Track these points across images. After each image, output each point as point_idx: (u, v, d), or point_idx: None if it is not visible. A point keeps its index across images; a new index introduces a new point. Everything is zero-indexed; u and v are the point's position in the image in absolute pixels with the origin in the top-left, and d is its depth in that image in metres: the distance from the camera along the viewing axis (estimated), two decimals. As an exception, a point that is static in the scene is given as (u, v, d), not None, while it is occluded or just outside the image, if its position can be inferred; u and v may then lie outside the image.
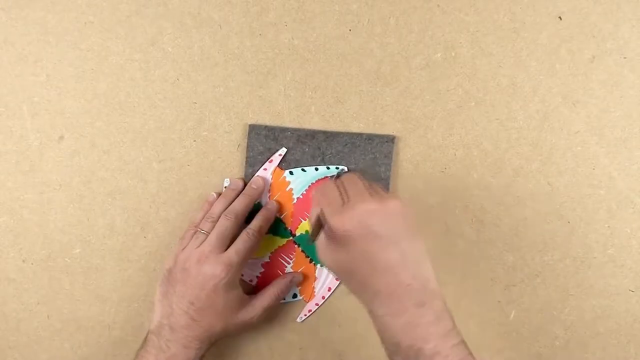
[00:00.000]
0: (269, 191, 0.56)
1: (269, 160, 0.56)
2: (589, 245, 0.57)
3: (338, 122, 0.57)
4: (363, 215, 0.42)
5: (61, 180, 0.57)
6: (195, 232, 0.52)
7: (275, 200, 0.56)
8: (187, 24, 0.56)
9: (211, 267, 0.50)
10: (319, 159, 0.56)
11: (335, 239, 0.43)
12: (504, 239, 0.57)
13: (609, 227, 0.56)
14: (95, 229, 0.58)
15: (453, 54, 0.56)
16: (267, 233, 0.56)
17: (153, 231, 0.58)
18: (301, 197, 0.56)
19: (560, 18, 0.55)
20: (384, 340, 0.43)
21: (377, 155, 0.56)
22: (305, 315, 0.58)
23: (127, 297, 0.58)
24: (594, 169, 0.56)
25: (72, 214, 0.57)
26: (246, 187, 0.55)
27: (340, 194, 0.45)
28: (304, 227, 0.57)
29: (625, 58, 0.55)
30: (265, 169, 0.56)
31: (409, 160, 0.57)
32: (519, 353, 0.58)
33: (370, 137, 0.56)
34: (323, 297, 0.57)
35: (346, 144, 0.56)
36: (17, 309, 0.58)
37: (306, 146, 0.56)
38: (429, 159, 0.57)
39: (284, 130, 0.56)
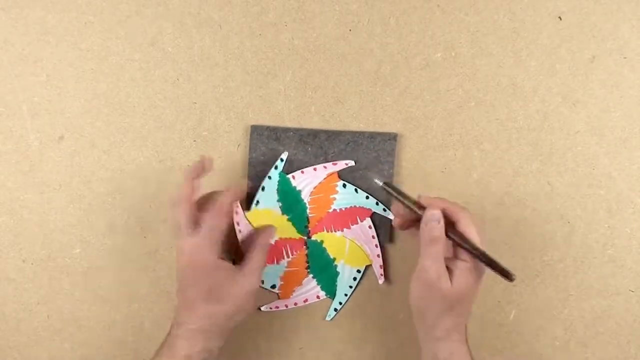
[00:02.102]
0: (314, 187, 0.56)
1: (274, 166, 0.56)
2: (589, 245, 0.57)
3: (338, 122, 0.57)
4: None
5: (61, 180, 0.57)
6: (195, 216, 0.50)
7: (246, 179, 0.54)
8: (187, 24, 0.56)
9: (183, 251, 0.48)
10: (322, 158, 0.56)
11: (479, 272, 0.49)
12: (504, 239, 0.57)
13: (609, 227, 0.57)
14: (95, 229, 0.58)
15: (453, 54, 0.56)
16: (288, 220, 0.56)
17: (153, 231, 0.58)
18: (338, 211, 0.56)
19: (560, 18, 0.56)
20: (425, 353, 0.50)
21: (380, 153, 0.56)
22: (270, 308, 0.57)
23: (127, 297, 0.58)
24: (594, 169, 0.56)
25: (72, 214, 0.57)
26: (234, 188, 0.53)
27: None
28: (322, 236, 0.57)
29: (625, 58, 0.55)
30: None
31: (409, 160, 0.57)
32: (519, 353, 0.58)
33: (373, 135, 0.56)
34: (295, 304, 0.57)
35: (348, 143, 0.56)
36: (17, 309, 0.58)
37: (309, 146, 0.56)
38: (429, 158, 0.57)
39: (285, 130, 0.56)
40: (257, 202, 0.56)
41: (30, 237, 0.58)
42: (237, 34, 0.56)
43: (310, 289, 0.57)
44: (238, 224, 0.55)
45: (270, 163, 0.56)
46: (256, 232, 0.53)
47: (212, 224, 0.48)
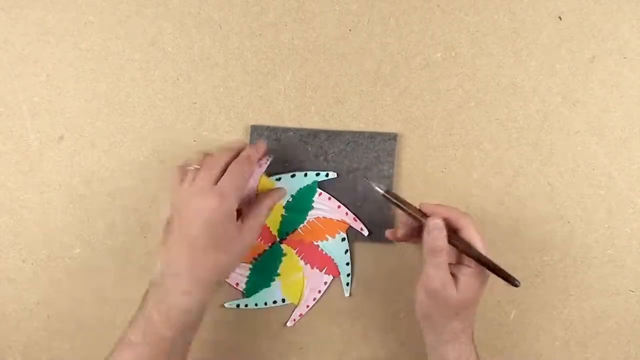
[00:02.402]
0: (324, 217, 0.56)
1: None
2: (589, 245, 0.57)
3: (338, 122, 0.57)
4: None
5: (61, 180, 0.57)
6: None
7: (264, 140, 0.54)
8: (187, 24, 0.56)
9: (204, 199, 0.46)
10: (322, 158, 0.56)
11: (484, 278, 0.49)
12: (504, 239, 0.57)
13: (609, 227, 0.57)
14: (95, 229, 0.57)
15: (453, 54, 0.56)
16: (282, 215, 0.56)
17: (153, 231, 0.58)
18: (318, 249, 0.57)
19: (560, 18, 0.56)
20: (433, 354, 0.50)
21: (380, 153, 0.56)
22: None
23: (127, 297, 0.58)
24: (594, 169, 0.56)
25: (72, 214, 0.57)
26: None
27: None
28: (289, 250, 0.57)
29: (625, 58, 0.55)
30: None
31: (409, 160, 0.57)
32: (519, 353, 0.58)
33: (373, 135, 0.56)
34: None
35: (348, 143, 0.56)
36: (17, 309, 0.58)
37: (309, 145, 0.56)
38: (429, 158, 0.57)
39: (285, 130, 0.56)
40: (280, 178, 0.56)
41: (30, 237, 0.58)
42: (237, 34, 0.56)
43: (241, 274, 0.57)
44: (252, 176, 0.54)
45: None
46: (267, 191, 0.52)
47: (237, 172, 0.48)
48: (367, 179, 0.53)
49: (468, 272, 0.48)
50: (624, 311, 0.57)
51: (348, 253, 0.57)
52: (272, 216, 0.56)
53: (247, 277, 0.57)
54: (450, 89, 0.56)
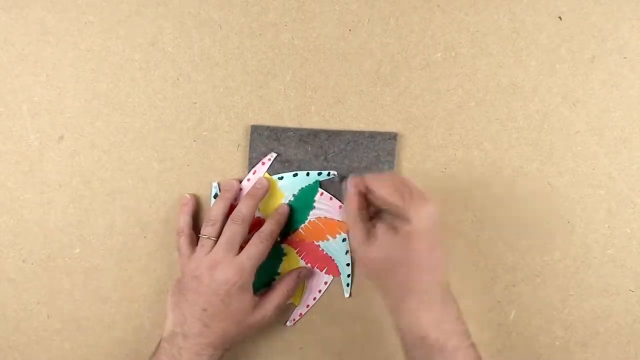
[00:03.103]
0: (324, 217, 0.56)
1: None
2: (589, 245, 0.57)
3: (338, 122, 0.57)
4: (436, 212, 0.46)
5: (61, 180, 0.57)
6: (196, 240, 0.53)
7: (286, 204, 0.56)
8: (187, 24, 0.56)
9: (224, 272, 0.49)
10: (322, 158, 0.56)
11: (402, 231, 0.46)
12: (504, 239, 0.57)
13: (609, 227, 0.57)
14: (95, 229, 0.57)
15: (453, 54, 0.56)
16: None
17: (153, 231, 0.58)
18: (319, 250, 0.57)
19: (560, 18, 0.56)
20: (408, 334, 0.47)
21: (380, 153, 0.56)
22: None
23: (127, 297, 0.58)
24: (594, 169, 0.56)
25: (72, 214, 0.57)
26: (251, 188, 0.55)
27: (404, 189, 0.47)
28: (289, 250, 0.57)
29: (625, 58, 0.55)
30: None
31: (409, 160, 0.57)
32: (519, 353, 0.58)
33: (373, 135, 0.56)
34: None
35: (348, 142, 0.56)
36: (17, 309, 0.58)
37: (309, 145, 0.56)
38: (429, 158, 0.57)
39: (285, 130, 0.56)
40: (282, 177, 0.56)
41: (30, 237, 0.58)
42: (237, 34, 0.56)
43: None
44: (255, 172, 0.56)
45: (270, 163, 0.56)
46: (291, 273, 0.56)
47: (258, 249, 0.51)
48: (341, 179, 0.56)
49: (382, 227, 0.48)
50: (624, 311, 0.57)
51: (349, 254, 0.57)
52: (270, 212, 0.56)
53: None
54: (450, 89, 0.56)
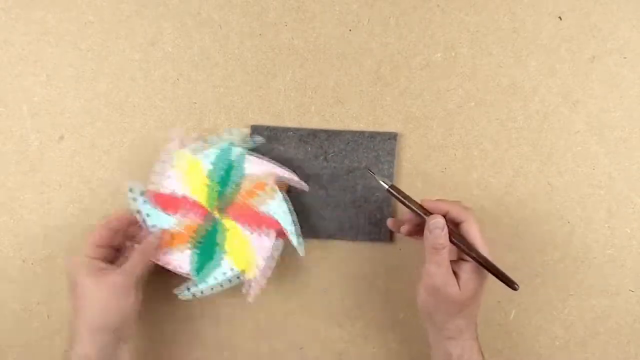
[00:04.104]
0: (258, 180, 0.54)
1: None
2: (589, 245, 0.57)
3: (338, 122, 0.57)
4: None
5: (61, 180, 0.57)
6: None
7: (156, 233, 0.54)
8: (187, 24, 0.56)
9: (99, 281, 0.49)
10: (322, 157, 0.56)
11: (484, 273, 0.49)
12: (504, 239, 0.57)
13: (609, 227, 0.57)
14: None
15: (453, 54, 0.56)
16: (207, 185, 0.54)
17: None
18: (260, 214, 0.54)
19: (560, 18, 0.56)
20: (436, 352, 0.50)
21: (380, 153, 0.56)
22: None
23: (127, 297, 0.58)
24: (594, 169, 0.56)
25: (72, 214, 0.57)
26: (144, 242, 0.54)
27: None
28: (231, 224, 0.54)
29: (625, 58, 0.55)
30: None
31: (409, 160, 0.57)
32: (519, 353, 0.58)
33: (373, 135, 0.56)
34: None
35: (348, 143, 0.56)
36: (17, 309, 0.58)
37: (308, 145, 0.56)
38: (429, 158, 0.57)
39: (285, 130, 0.56)
40: (206, 154, 0.54)
41: (30, 237, 0.58)
42: (237, 34, 0.56)
43: (179, 258, 0.54)
44: (167, 153, 0.54)
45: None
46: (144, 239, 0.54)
47: (135, 264, 0.51)
48: (374, 173, 0.53)
49: (469, 268, 0.48)
50: (624, 311, 0.57)
51: (291, 211, 0.54)
52: (199, 189, 0.54)
53: (195, 261, 0.54)
54: (450, 89, 0.56)
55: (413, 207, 0.49)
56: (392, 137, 0.56)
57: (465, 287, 0.47)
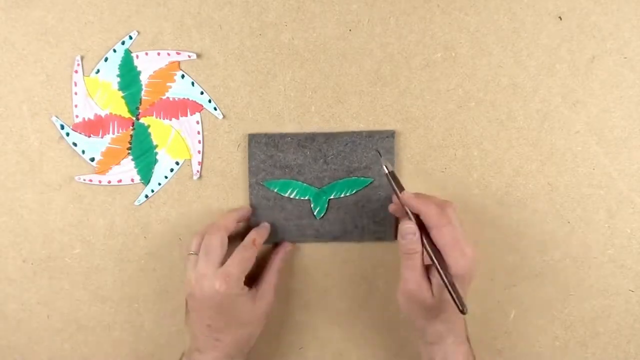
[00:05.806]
0: (154, 71, 0.56)
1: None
2: (589, 245, 0.57)
3: (338, 122, 0.57)
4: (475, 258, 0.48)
5: (61, 180, 0.57)
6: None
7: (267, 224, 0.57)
8: (187, 24, 0.56)
9: (210, 283, 0.48)
10: (321, 160, 0.56)
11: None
12: (504, 239, 0.57)
13: (609, 227, 0.57)
14: (95, 229, 0.58)
15: (453, 54, 0.56)
16: (122, 97, 0.56)
17: (153, 231, 0.58)
18: (171, 100, 0.56)
19: (560, 18, 0.56)
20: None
21: (379, 152, 0.56)
22: (84, 180, 0.57)
23: (127, 297, 0.58)
24: (594, 169, 0.56)
25: (72, 214, 0.57)
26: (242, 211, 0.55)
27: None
28: (150, 120, 0.56)
29: (625, 58, 0.55)
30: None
31: (409, 160, 0.57)
32: (519, 353, 0.58)
33: (371, 134, 0.56)
34: (109, 182, 0.57)
35: (347, 144, 0.56)
36: (17, 309, 0.58)
37: (307, 149, 0.56)
38: (429, 158, 0.57)
39: (283, 136, 0.56)
40: (98, 70, 0.56)
41: (30, 237, 0.58)
42: (237, 34, 0.56)
43: (127, 171, 0.57)
44: (76, 84, 0.56)
45: (270, 170, 0.56)
46: (277, 252, 0.56)
47: (243, 256, 0.51)
48: (381, 155, 0.54)
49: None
50: (624, 311, 0.57)
51: (196, 84, 0.56)
52: (115, 104, 0.56)
53: (134, 167, 0.57)
54: (450, 89, 0.56)
55: (399, 201, 0.50)
56: (390, 135, 0.56)
57: (438, 293, 0.47)
